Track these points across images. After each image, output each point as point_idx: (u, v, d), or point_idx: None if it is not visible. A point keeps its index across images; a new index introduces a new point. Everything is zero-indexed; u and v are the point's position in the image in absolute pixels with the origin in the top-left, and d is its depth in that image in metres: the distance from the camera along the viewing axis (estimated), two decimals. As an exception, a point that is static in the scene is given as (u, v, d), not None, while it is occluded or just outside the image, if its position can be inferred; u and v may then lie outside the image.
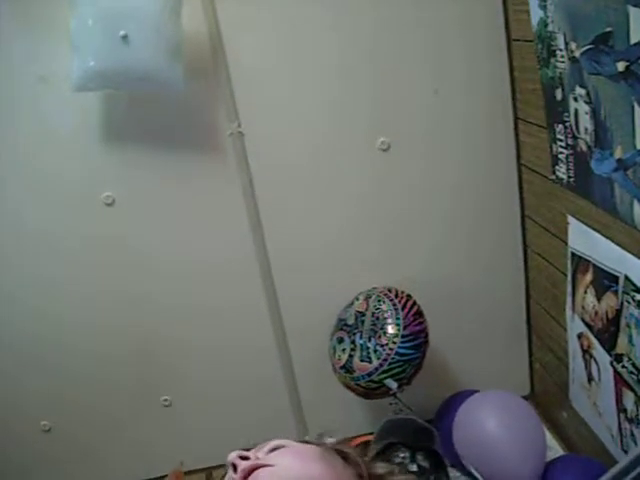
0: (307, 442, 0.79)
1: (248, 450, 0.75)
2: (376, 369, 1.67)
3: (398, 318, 1.69)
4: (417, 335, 1.69)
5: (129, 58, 1.48)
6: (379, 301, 1.76)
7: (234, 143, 1.75)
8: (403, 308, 1.72)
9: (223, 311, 1.92)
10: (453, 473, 1.84)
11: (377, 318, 1.72)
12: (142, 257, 1.85)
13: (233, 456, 0.70)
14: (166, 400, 2.01)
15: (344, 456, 0.75)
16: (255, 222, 1.83)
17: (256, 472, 0.67)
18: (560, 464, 1.64)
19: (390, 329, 1.69)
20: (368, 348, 1.69)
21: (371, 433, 1.86)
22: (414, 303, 1.75)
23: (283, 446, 0.74)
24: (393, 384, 1.67)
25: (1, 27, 1.62)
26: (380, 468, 0.75)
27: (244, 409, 2.01)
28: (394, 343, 1.66)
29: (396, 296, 1.75)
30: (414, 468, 1.66)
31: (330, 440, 0.82)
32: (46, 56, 1.63)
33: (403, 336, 1.67)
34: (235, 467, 0.69)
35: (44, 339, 1.89)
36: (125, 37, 1.44)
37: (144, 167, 1.76)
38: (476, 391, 1.81)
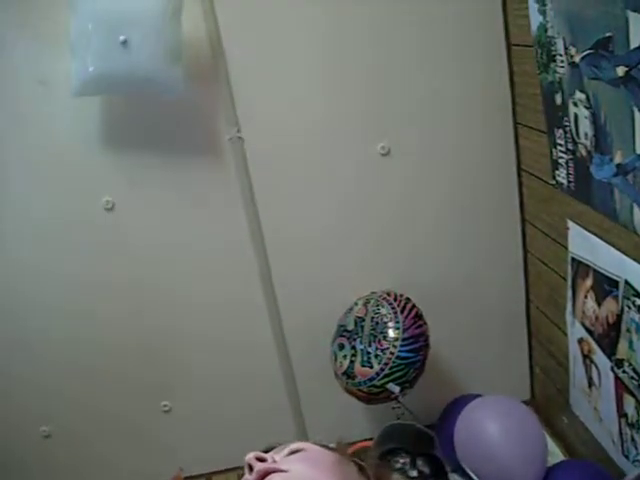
0: (327, 447, 0.78)
1: (268, 451, 0.75)
2: (377, 374, 1.66)
3: (398, 322, 1.69)
4: (417, 338, 1.69)
5: (129, 63, 1.48)
6: (378, 305, 1.76)
7: (233, 148, 1.75)
8: (402, 311, 1.71)
9: (223, 317, 1.92)
10: (454, 478, 1.84)
11: (377, 323, 1.72)
12: (142, 261, 1.84)
13: (250, 457, 0.70)
14: (166, 406, 2.01)
15: (360, 467, 0.75)
16: (254, 226, 1.83)
17: (270, 476, 0.67)
18: (561, 469, 1.64)
19: (390, 333, 1.68)
20: (369, 353, 1.69)
21: (371, 439, 1.85)
22: (413, 306, 1.74)
23: (302, 449, 0.74)
24: (395, 388, 1.66)
25: (2, 31, 1.62)
26: None
27: (244, 415, 2.00)
28: (395, 347, 1.66)
29: (395, 299, 1.75)
30: (414, 473, 1.66)
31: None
32: (46, 60, 1.63)
33: (403, 339, 1.66)
34: (251, 468, 0.69)
35: (43, 346, 1.89)
36: (125, 42, 1.45)
37: (144, 171, 1.77)
38: (478, 396, 1.81)
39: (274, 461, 0.71)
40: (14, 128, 1.70)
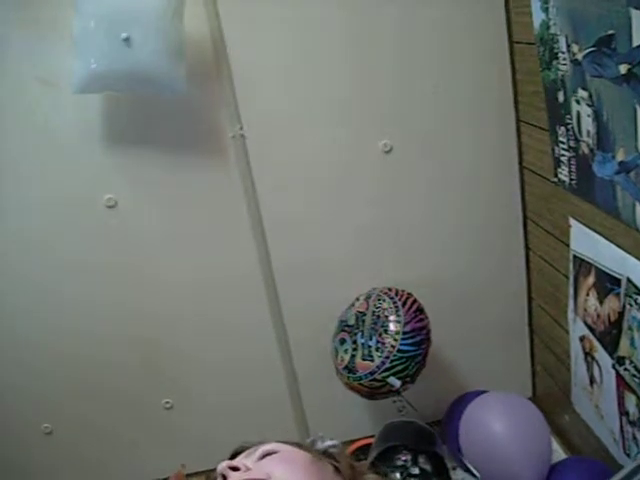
0: (299, 445, 0.78)
1: (239, 453, 0.75)
2: (378, 367, 1.66)
3: (399, 315, 1.69)
4: (419, 332, 1.68)
5: (131, 60, 1.48)
6: (379, 300, 1.76)
7: (236, 146, 1.75)
8: (404, 305, 1.71)
9: (225, 316, 1.91)
10: (456, 475, 1.84)
11: (378, 316, 1.72)
12: (144, 260, 1.84)
13: (223, 466, 0.69)
14: (167, 402, 2.01)
15: (335, 467, 0.75)
16: (257, 225, 1.83)
17: None
18: (566, 466, 1.64)
19: (391, 326, 1.68)
20: (370, 347, 1.69)
21: (372, 436, 1.86)
22: (414, 300, 1.74)
23: (274, 452, 0.73)
24: (396, 382, 1.66)
25: (3, 28, 1.62)
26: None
27: (246, 411, 2.00)
28: (395, 340, 1.66)
29: (396, 294, 1.75)
30: (416, 471, 1.66)
31: (328, 443, 0.82)
32: (48, 58, 1.63)
33: (404, 333, 1.66)
34: (225, 478, 0.68)
35: (45, 343, 1.89)
36: (127, 39, 1.44)
37: (146, 169, 1.76)
38: (483, 392, 1.81)
39: (248, 468, 0.70)
40: (15, 126, 1.69)
